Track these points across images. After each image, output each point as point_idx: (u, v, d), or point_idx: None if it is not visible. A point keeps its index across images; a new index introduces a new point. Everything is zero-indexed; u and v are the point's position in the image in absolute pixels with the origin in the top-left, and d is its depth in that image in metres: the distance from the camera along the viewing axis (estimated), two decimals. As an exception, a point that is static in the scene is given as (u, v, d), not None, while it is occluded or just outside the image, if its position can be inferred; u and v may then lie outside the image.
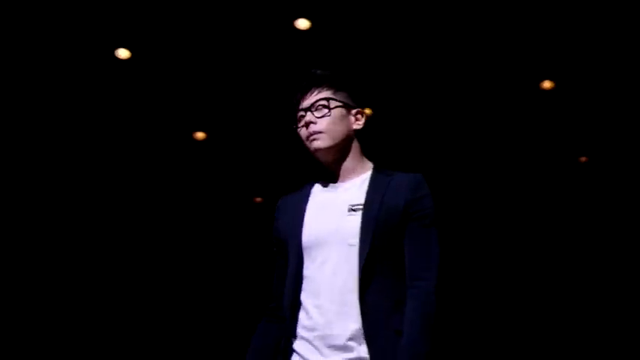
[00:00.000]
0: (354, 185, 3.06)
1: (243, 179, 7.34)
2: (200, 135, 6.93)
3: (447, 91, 6.55)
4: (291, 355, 2.98)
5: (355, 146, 3.12)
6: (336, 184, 3.09)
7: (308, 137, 3.07)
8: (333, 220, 2.99)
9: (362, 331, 2.90)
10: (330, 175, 3.11)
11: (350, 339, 2.90)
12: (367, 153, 3.14)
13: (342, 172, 3.09)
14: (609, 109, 6.61)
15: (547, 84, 6.35)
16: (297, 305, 2.98)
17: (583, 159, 7.06)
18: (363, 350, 2.90)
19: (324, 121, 3.06)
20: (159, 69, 6.36)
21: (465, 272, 7.21)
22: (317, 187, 3.12)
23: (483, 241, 7.40)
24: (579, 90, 6.46)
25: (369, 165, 3.13)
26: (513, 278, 7.37)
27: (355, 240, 2.93)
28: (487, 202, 7.35)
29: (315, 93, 3.10)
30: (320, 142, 3.05)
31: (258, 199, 7.57)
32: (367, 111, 6.57)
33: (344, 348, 2.91)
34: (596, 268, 7.29)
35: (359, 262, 2.91)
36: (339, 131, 3.07)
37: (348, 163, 3.09)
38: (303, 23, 5.99)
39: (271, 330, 3.09)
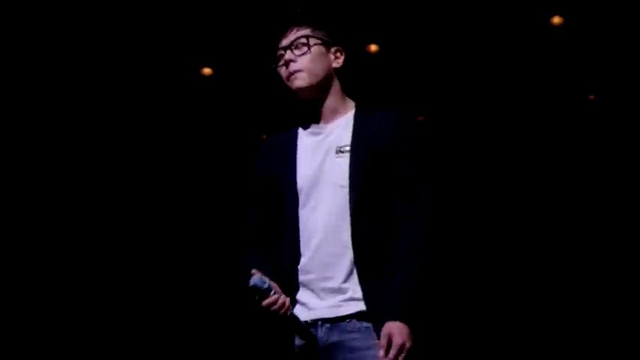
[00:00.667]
0: (339, 126, 3.06)
1: (251, 116, 7.31)
2: (207, 71, 6.90)
3: (454, 28, 6.50)
4: (294, 305, 2.99)
5: (336, 84, 3.11)
6: (320, 126, 3.09)
7: (288, 77, 3.08)
8: (322, 163, 3.01)
9: (355, 273, 2.92)
10: (313, 115, 3.11)
11: (344, 281, 2.93)
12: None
13: (325, 112, 3.09)
14: (619, 47, 6.58)
15: (557, 19, 6.30)
16: (298, 249, 3.00)
17: (591, 97, 7.02)
18: (357, 291, 2.92)
19: (303, 59, 3.06)
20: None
21: (465, 220, 7.20)
22: (302, 130, 3.12)
23: (489, 184, 7.39)
24: (589, 27, 6.42)
25: (352, 104, 3.13)
26: (518, 221, 7.35)
27: (345, 182, 2.96)
28: (493, 141, 7.34)
29: (294, 31, 3.09)
30: (300, 82, 3.05)
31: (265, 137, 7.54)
32: (373, 47, 6.62)
33: (339, 290, 2.94)
34: (603, 209, 7.28)
35: (349, 203, 2.94)
36: (319, 69, 3.07)
37: (329, 102, 3.09)
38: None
39: (267, 261, 3.06)
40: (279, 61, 3.10)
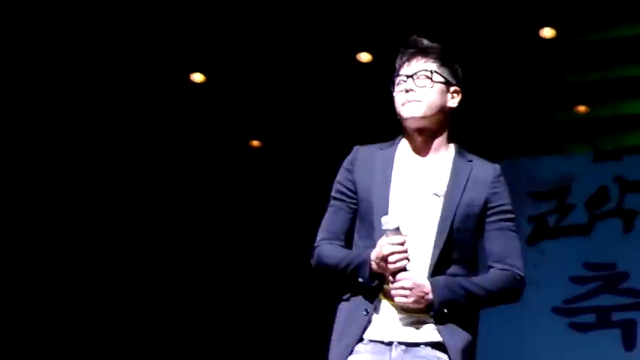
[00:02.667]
0: (438, 166, 3.09)
1: (239, 121, 7.30)
2: (198, 78, 6.89)
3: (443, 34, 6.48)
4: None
5: (445, 123, 3.14)
6: (420, 160, 3.11)
7: (404, 103, 3.09)
8: (416, 202, 3.04)
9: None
10: (415, 144, 3.12)
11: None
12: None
13: (428, 146, 3.11)
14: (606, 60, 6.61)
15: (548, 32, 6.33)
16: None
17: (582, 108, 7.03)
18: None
19: (424, 91, 3.08)
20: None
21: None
22: (401, 155, 3.12)
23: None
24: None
25: (452, 146, 3.16)
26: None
27: (434, 227, 3.02)
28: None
29: (421, 62, 3.11)
30: (415, 111, 3.07)
31: (256, 143, 7.52)
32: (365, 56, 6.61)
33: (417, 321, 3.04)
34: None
35: (434, 248, 3.01)
36: (436, 105, 3.09)
37: (435, 139, 3.11)
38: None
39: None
40: (397, 85, 3.12)
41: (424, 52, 3.13)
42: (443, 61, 3.14)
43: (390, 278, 2.99)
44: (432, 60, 3.12)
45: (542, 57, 6.59)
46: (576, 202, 7.07)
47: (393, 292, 2.98)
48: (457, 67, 3.18)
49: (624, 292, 6.86)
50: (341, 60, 6.67)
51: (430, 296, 2.97)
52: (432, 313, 2.99)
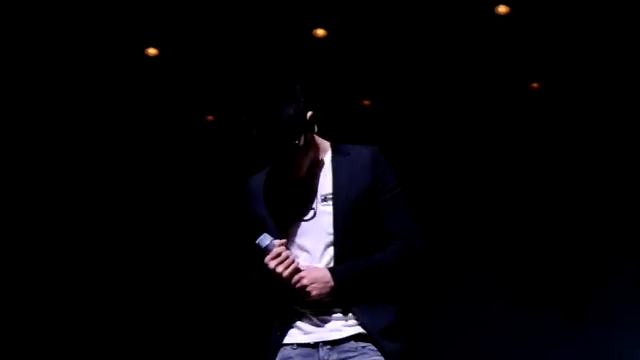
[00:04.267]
0: (321, 173, 3.21)
1: (194, 96, 7.28)
2: (152, 51, 6.85)
3: (403, 18, 6.51)
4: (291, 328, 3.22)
5: (315, 142, 3.20)
6: (305, 173, 3.18)
7: (284, 171, 3.16)
8: (309, 212, 3.18)
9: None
10: (295, 168, 3.16)
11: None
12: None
13: (307, 163, 3.16)
14: (564, 36, 6.65)
15: (502, 9, 6.35)
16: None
17: (535, 85, 7.09)
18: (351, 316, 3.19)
19: (294, 155, 3.09)
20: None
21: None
22: (287, 175, 3.19)
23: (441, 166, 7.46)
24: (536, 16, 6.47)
25: (327, 146, 3.26)
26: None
27: (330, 229, 3.16)
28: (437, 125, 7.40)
29: (276, 128, 3.02)
30: (297, 173, 3.15)
31: (210, 118, 7.52)
32: (320, 31, 6.62)
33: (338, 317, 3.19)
34: (547, 195, 7.39)
35: (333, 247, 3.16)
36: (308, 153, 3.15)
37: (313, 159, 3.18)
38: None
39: None
40: (259, 147, 3.08)
41: (273, 120, 3.03)
42: (292, 111, 3.06)
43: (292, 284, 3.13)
44: (285, 118, 3.03)
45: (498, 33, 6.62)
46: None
47: (299, 294, 3.12)
48: (298, 98, 3.12)
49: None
50: (297, 35, 6.67)
51: (331, 283, 3.10)
52: (338, 297, 3.13)
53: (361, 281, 3.13)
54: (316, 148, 3.21)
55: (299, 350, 3.17)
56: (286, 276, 3.09)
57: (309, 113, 3.14)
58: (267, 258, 3.10)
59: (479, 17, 6.44)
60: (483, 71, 6.94)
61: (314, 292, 3.10)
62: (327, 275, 3.11)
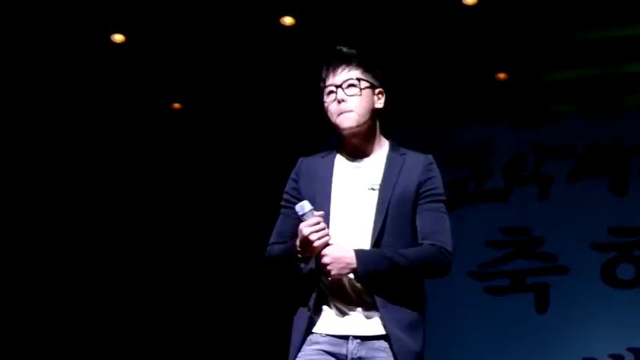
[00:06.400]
0: (373, 163, 3.32)
1: (160, 83, 7.25)
2: (118, 38, 6.81)
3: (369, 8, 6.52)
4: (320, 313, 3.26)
5: (375, 124, 3.35)
6: (356, 160, 3.33)
7: (338, 114, 3.27)
8: (354, 198, 3.26)
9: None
10: (351, 148, 3.34)
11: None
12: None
13: (362, 148, 3.33)
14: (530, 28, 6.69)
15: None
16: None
17: (501, 76, 7.12)
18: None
19: (354, 99, 3.27)
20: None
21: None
22: (339, 159, 3.35)
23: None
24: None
25: (386, 142, 3.38)
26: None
27: (372, 217, 3.23)
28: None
29: (346, 71, 3.29)
30: (350, 122, 3.27)
31: (177, 105, 7.49)
32: (288, 20, 6.62)
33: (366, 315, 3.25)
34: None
35: (371, 237, 3.22)
36: (367, 110, 3.29)
37: (369, 141, 3.33)
38: None
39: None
40: (327, 96, 3.31)
41: (347, 61, 3.31)
42: (365, 67, 3.32)
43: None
44: (355, 67, 3.31)
45: (463, 23, 6.64)
46: (494, 168, 7.18)
47: (325, 268, 3.15)
48: (378, 70, 3.37)
49: (539, 256, 7.00)
50: (263, 23, 6.66)
51: (354, 265, 3.14)
52: (359, 278, 3.16)
53: (384, 269, 3.16)
54: (374, 135, 3.33)
55: (327, 339, 3.21)
56: (317, 245, 3.12)
57: (382, 90, 3.35)
58: (304, 224, 3.13)
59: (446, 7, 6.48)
60: (453, 61, 6.96)
61: (334, 271, 3.14)
62: (352, 256, 3.15)
